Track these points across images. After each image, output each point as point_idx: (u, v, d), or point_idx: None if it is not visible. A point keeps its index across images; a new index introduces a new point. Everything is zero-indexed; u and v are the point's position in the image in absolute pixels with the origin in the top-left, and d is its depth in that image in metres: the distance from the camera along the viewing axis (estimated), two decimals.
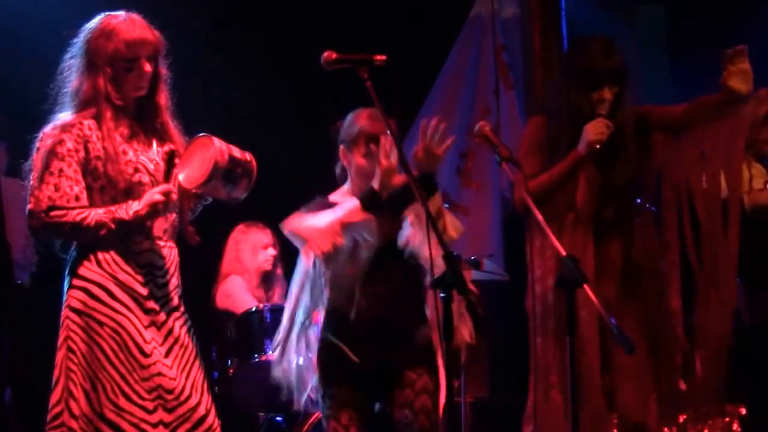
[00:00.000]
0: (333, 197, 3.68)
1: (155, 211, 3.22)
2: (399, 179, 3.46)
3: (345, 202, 3.54)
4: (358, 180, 3.61)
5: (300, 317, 3.63)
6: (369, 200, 3.47)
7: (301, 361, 3.66)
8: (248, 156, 3.38)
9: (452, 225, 3.61)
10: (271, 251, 5.78)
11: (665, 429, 4.25)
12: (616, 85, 3.80)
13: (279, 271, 5.85)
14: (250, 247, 5.77)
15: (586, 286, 2.99)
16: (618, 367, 3.79)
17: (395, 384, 3.58)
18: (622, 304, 3.78)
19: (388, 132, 3.37)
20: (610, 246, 3.86)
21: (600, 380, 3.77)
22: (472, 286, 3.76)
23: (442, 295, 2.87)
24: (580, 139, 3.75)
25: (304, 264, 3.61)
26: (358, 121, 3.62)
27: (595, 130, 3.73)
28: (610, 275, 3.83)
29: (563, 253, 3.07)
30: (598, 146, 3.73)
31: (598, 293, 3.11)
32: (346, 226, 3.47)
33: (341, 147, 3.66)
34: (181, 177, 3.30)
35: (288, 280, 5.82)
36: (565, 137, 3.81)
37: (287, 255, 5.83)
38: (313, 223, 3.51)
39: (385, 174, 3.44)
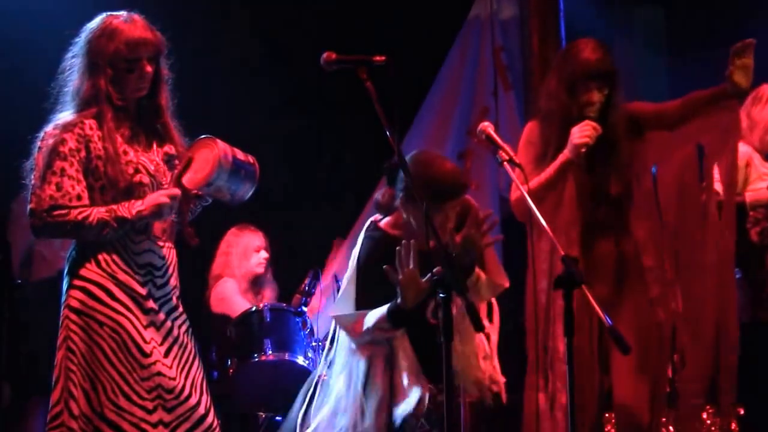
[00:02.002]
0: (383, 224, 3.60)
1: (159, 212, 3.23)
2: (423, 285, 3.27)
3: (379, 310, 3.42)
4: (417, 229, 3.46)
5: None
6: (397, 319, 3.37)
7: None
8: (251, 158, 3.39)
9: (489, 288, 3.59)
10: (264, 254, 5.80)
11: (663, 429, 4.26)
12: (605, 86, 3.79)
13: (269, 274, 5.87)
14: (241, 250, 5.78)
15: (584, 286, 3.00)
16: (616, 366, 3.80)
17: None
18: (614, 305, 3.78)
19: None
20: (603, 247, 3.86)
21: (598, 381, 3.78)
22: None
23: (441, 295, 2.88)
24: (568, 142, 3.74)
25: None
26: (432, 173, 3.47)
27: (580, 134, 3.71)
28: (602, 276, 3.83)
29: (562, 252, 3.08)
30: (583, 149, 3.71)
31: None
32: (375, 338, 3.44)
33: (401, 196, 3.51)
34: (183, 177, 3.31)
35: (277, 282, 5.87)
36: (554, 141, 3.80)
37: (278, 258, 5.87)
38: (357, 331, 3.47)
39: (407, 287, 3.31)
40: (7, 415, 4.96)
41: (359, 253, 3.56)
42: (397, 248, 3.30)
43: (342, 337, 3.60)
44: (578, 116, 3.77)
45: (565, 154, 3.74)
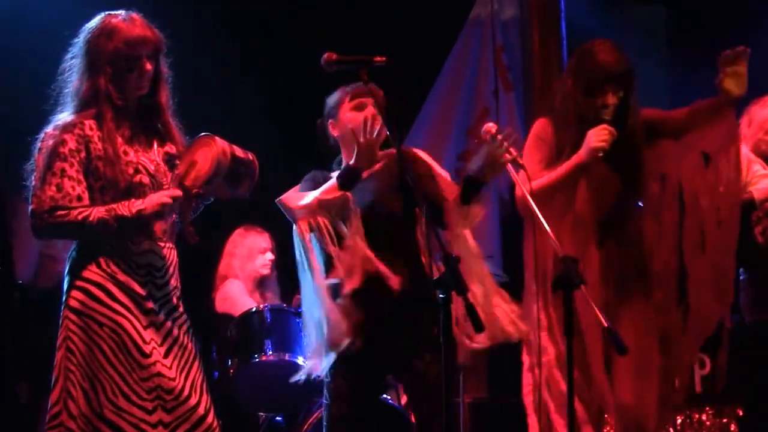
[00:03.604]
0: (333, 174, 3.68)
1: (161, 212, 3.23)
2: (377, 156, 3.47)
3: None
4: (353, 140, 3.53)
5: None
6: (345, 178, 3.47)
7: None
8: (251, 156, 3.40)
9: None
10: (269, 255, 5.80)
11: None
12: (620, 88, 3.79)
13: (274, 275, 5.87)
14: (247, 251, 5.79)
15: (583, 287, 3.01)
16: (618, 367, 3.79)
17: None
18: (619, 305, 3.78)
19: (372, 105, 3.48)
20: (608, 248, 3.86)
21: (606, 380, 3.78)
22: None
23: (441, 296, 2.88)
24: (583, 144, 3.73)
25: (299, 242, 3.60)
26: (339, 90, 3.67)
27: (598, 137, 3.69)
28: (608, 276, 3.83)
29: (561, 253, 3.08)
30: (600, 154, 3.70)
31: (600, 294, 3.11)
32: (322, 204, 3.47)
33: (329, 122, 3.69)
34: (183, 175, 3.31)
35: (283, 284, 5.87)
36: (569, 142, 3.79)
37: (284, 259, 5.87)
38: (299, 202, 3.51)
39: (364, 151, 3.43)
40: (25, 414, 4.97)
41: (302, 187, 3.64)
42: (365, 118, 3.43)
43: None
44: (594, 118, 3.77)
45: (580, 156, 3.73)
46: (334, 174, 3.61)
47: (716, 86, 3.68)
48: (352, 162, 3.46)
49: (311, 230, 3.50)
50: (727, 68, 3.66)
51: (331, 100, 3.69)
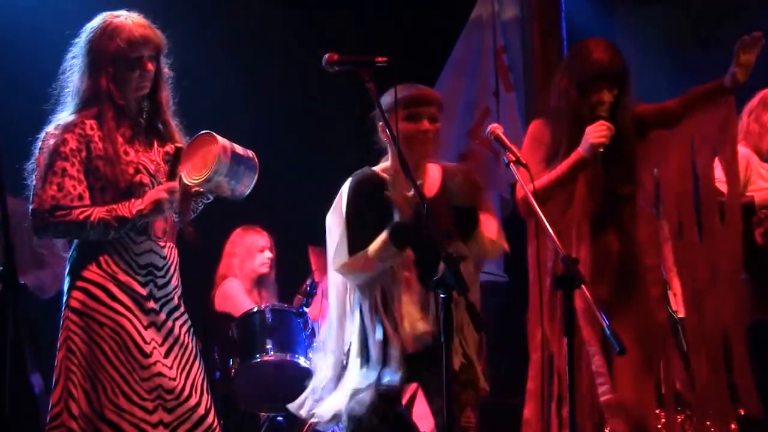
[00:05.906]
0: (377, 168, 3.71)
1: (159, 208, 3.23)
2: (414, 199, 3.43)
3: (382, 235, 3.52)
4: (404, 146, 3.51)
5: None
6: (397, 238, 3.49)
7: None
8: (251, 153, 3.40)
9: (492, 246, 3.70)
10: (268, 254, 5.82)
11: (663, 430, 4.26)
12: (615, 86, 3.80)
13: (272, 274, 5.89)
14: (246, 250, 5.81)
15: (583, 286, 3.01)
16: (618, 365, 3.79)
17: None
18: (617, 303, 3.78)
19: (427, 119, 3.63)
20: (608, 245, 3.86)
21: (608, 379, 3.77)
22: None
23: (442, 295, 2.89)
24: (582, 141, 3.73)
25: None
26: (394, 92, 3.56)
27: (596, 133, 3.69)
28: (605, 273, 3.83)
29: (562, 252, 3.09)
30: (601, 149, 3.70)
31: (594, 292, 3.12)
32: (377, 260, 3.51)
33: (379, 125, 3.65)
34: (183, 174, 3.31)
35: (281, 283, 5.88)
36: (565, 140, 3.80)
37: (282, 259, 5.88)
38: (360, 262, 3.54)
39: (402, 204, 3.51)
40: (40, 405, 4.97)
41: (347, 195, 3.64)
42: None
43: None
44: (589, 116, 3.77)
45: (579, 153, 3.73)
46: (381, 167, 3.68)
47: (729, 72, 3.69)
48: (398, 217, 3.51)
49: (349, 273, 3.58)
50: (742, 56, 3.68)
51: (386, 102, 3.55)
